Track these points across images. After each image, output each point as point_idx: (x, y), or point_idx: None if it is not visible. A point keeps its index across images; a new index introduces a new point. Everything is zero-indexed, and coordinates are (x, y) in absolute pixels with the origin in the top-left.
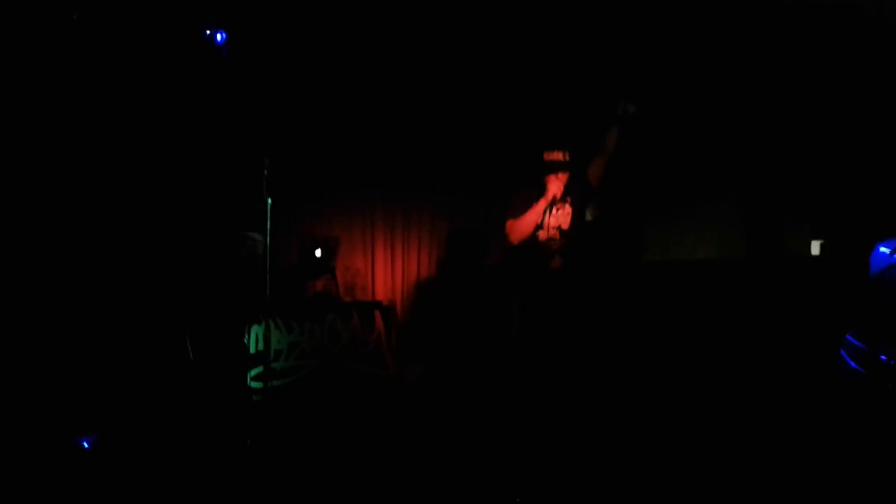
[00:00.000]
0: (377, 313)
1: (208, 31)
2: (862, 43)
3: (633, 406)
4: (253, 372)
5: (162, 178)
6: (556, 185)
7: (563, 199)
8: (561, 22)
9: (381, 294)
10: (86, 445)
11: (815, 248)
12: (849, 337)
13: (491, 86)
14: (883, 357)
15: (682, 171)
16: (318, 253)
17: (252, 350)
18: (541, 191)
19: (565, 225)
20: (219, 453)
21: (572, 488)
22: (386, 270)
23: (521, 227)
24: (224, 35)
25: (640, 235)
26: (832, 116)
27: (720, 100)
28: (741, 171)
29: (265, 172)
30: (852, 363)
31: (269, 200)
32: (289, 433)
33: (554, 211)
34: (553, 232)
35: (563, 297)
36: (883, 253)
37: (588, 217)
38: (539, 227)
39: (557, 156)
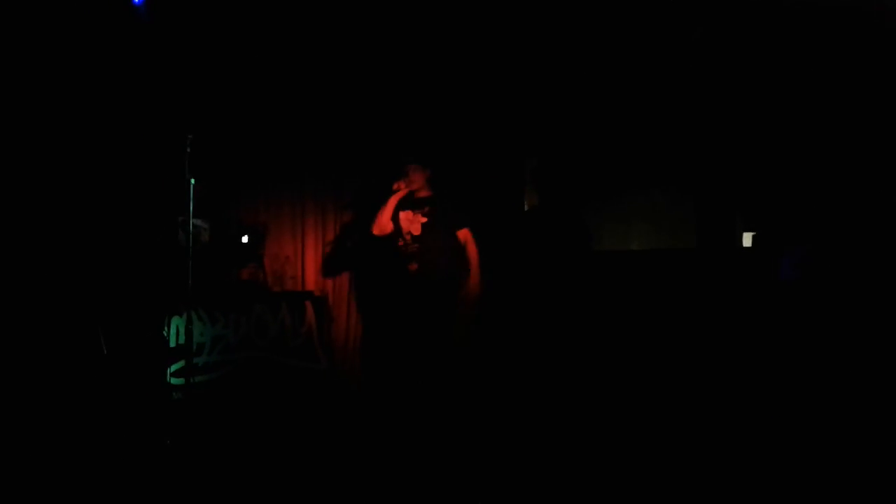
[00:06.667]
0: (308, 304)
1: None
2: (806, 40)
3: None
4: (173, 367)
5: (69, 154)
6: (418, 177)
7: (420, 206)
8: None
9: (312, 284)
10: None
11: (748, 239)
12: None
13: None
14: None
15: (614, 159)
16: (244, 239)
17: (172, 344)
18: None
19: (416, 231)
20: (135, 456)
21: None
22: (317, 259)
23: (382, 214)
24: None
25: (582, 223)
26: (768, 108)
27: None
28: (678, 161)
29: (188, 150)
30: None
31: (192, 181)
32: (212, 434)
33: (410, 216)
34: (407, 237)
35: (415, 297)
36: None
37: (526, 206)
38: (398, 234)
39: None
